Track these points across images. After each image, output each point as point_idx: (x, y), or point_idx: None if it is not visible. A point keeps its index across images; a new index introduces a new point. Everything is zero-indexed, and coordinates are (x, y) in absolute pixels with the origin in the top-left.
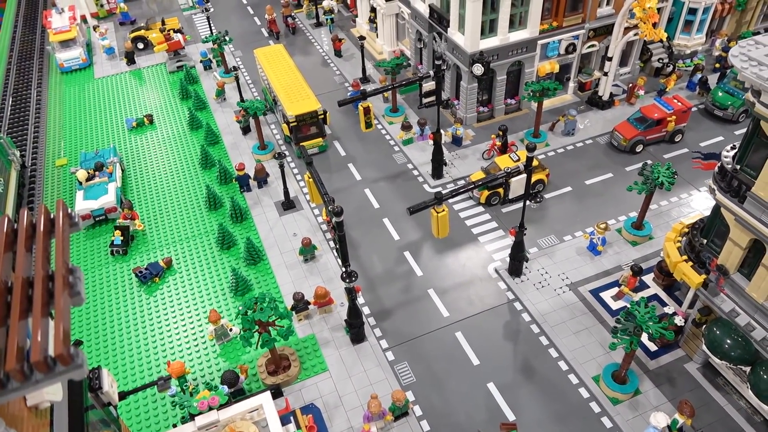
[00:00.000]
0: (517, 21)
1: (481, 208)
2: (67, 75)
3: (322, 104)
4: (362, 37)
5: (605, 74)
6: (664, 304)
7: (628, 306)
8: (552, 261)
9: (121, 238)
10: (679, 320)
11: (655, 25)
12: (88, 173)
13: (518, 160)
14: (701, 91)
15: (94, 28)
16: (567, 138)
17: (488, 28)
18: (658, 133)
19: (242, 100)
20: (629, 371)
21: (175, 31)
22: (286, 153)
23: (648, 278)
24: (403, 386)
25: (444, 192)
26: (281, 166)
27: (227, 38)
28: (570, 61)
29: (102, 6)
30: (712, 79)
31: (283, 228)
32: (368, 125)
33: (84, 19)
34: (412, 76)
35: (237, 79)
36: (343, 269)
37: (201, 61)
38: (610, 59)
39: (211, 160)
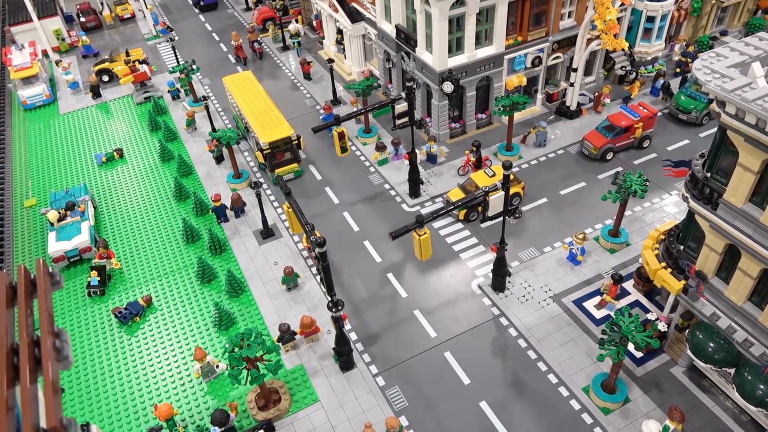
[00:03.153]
0: (483, 37)
1: (460, 225)
2: (31, 112)
3: (295, 129)
4: (331, 60)
5: (571, 85)
6: (645, 309)
7: (613, 316)
8: (534, 274)
9: (98, 278)
10: (662, 326)
11: (616, 35)
12: (60, 213)
13: (493, 175)
14: (664, 96)
15: (57, 62)
16: (539, 149)
17: (455, 46)
18: (626, 140)
19: (213, 130)
20: (618, 380)
21: (141, 62)
22: (262, 181)
23: (628, 285)
24: (395, 411)
25: (424, 214)
26: (258, 196)
27: (194, 67)
28: (537, 73)
29: (63, 40)
30: (674, 84)
31: (264, 257)
32: (343, 150)
33: (45, 53)
34: (384, 99)
35: (207, 108)
36: (329, 299)
37: (169, 91)
38: (575, 70)
39: (186, 191)
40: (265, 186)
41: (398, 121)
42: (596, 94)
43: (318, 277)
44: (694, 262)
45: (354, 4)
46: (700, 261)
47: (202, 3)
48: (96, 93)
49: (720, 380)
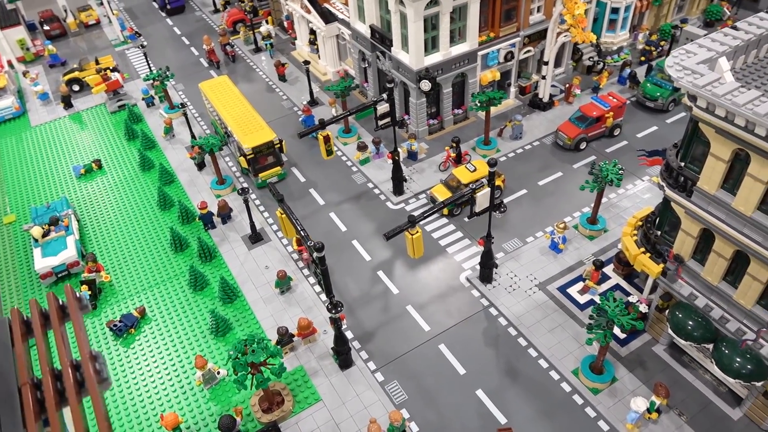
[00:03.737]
0: (457, 35)
1: (445, 220)
2: (1, 126)
3: (275, 132)
4: (307, 62)
5: (543, 77)
6: (626, 292)
7: (598, 301)
8: (519, 264)
9: (89, 292)
10: (643, 308)
11: (584, 28)
12: (43, 229)
13: (474, 170)
14: (631, 84)
15: (24, 73)
16: (515, 142)
17: (431, 44)
18: (598, 130)
19: (193, 136)
20: (604, 361)
21: (112, 70)
22: (247, 186)
23: (608, 269)
24: (396, 405)
25: (416, 214)
26: (246, 202)
27: (169, 74)
28: (509, 67)
29: (28, 49)
30: (640, 73)
31: (255, 262)
32: (329, 153)
33: (10, 64)
34: (366, 101)
35: (185, 114)
36: (328, 300)
37: (143, 99)
38: (546, 63)
39: (170, 200)
40: (249, 190)
41: (380, 122)
42: (567, 85)
43: (311, 279)
44: (670, 246)
45: (326, 5)
46: (676, 245)
47: (168, 6)
48: (68, 103)
49: (699, 355)
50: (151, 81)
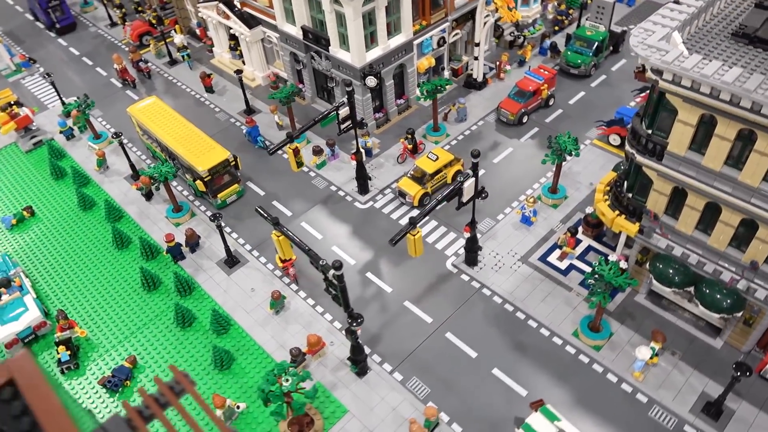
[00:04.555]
0: (392, 28)
1: (416, 211)
2: None
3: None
4: (239, 71)
5: (476, 59)
6: (598, 251)
7: (578, 265)
8: (497, 242)
9: (68, 352)
10: (623, 264)
11: (510, 8)
12: None
13: (437, 159)
14: (553, 54)
15: None
16: (461, 124)
17: (369, 40)
18: (536, 102)
19: (132, 166)
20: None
21: (17, 105)
22: (204, 208)
23: (578, 233)
24: (421, 400)
25: (416, 216)
26: (219, 227)
27: (90, 101)
28: (442, 52)
29: None
30: (560, 42)
31: (238, 286)
32: (299, 165)
33: None
34: (329, 108)
35: (121, 144)
36: (348, 315)
37: (60, 132)
38: (477, 45)
39: (125, 237)
40: (209, 213)
41: (343, 126)
42: (497, 62)
43: (302, 293)
44: (643, 205)
45: (247, 9)
46: (649, 203)
47: (58, 25)
48: None
49: (677, 298)
50: (70, 112)
